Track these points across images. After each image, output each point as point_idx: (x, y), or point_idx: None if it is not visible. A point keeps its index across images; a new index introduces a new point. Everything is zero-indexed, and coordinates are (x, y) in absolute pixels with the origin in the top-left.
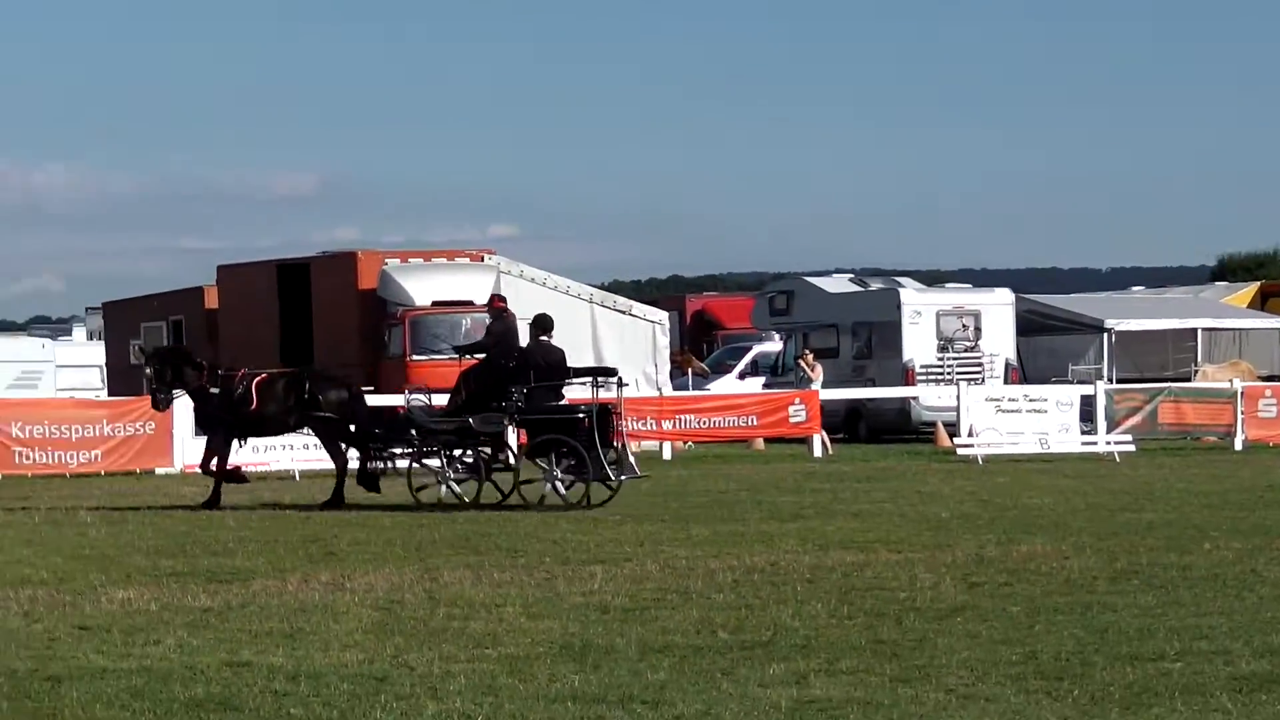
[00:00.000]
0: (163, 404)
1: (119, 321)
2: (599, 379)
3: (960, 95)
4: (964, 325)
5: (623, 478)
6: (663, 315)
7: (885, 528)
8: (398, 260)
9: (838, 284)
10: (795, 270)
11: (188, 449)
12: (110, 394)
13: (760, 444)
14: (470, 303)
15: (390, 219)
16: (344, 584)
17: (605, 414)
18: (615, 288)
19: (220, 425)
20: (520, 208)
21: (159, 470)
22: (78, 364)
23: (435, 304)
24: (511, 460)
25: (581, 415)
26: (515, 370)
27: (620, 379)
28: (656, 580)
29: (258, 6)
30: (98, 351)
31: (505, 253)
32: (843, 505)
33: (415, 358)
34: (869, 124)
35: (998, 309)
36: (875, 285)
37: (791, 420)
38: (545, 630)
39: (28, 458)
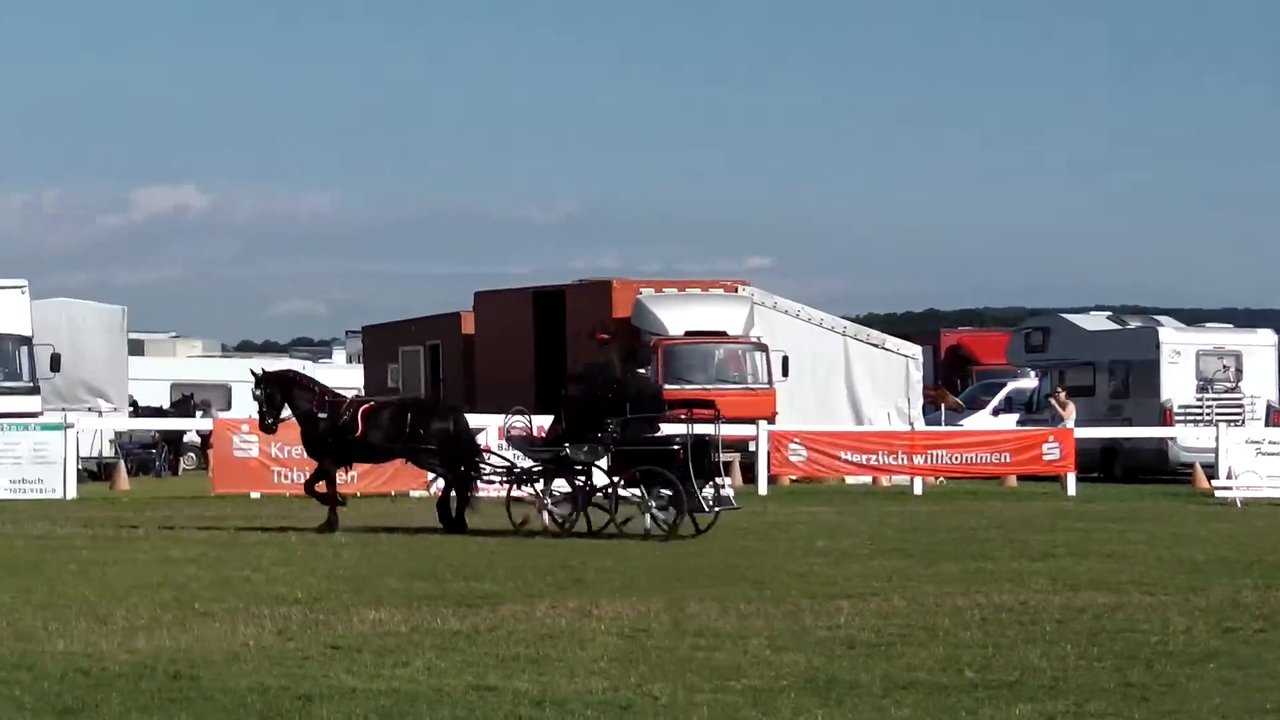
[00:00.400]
0: (270, 428)
1: (377, 345)
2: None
3: (1231, 129)
4: (1224, 365)
5: (718, 509)
6: (916, 350)
7: (1138, 569)
8: (652, 290)
9: (1095, 321)
10: (1053, 306)
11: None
12: None
13: (1013, 481)
14: (723, 333)
15: (648, 247)
16: (591, 611)
17: (701, 446)
18: (870, 321)
19: (326, 449)
20: (777, 239)
21: (413, 494)
22: (336, 386)
23: (688, 334)
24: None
25: (676, 447)
26: (612, 402)
27: (718, 413)
28: (903, 616)
29: (527, 38)
30: (356, 374)
31: (761, 284)
32: (1095, 545)
33: (668, 387)
34: (1133, 164)
35: (1260, 350)
36: (1134, 323)
37: (1045, 458)
38: (790, 664)
39: (286, 478)
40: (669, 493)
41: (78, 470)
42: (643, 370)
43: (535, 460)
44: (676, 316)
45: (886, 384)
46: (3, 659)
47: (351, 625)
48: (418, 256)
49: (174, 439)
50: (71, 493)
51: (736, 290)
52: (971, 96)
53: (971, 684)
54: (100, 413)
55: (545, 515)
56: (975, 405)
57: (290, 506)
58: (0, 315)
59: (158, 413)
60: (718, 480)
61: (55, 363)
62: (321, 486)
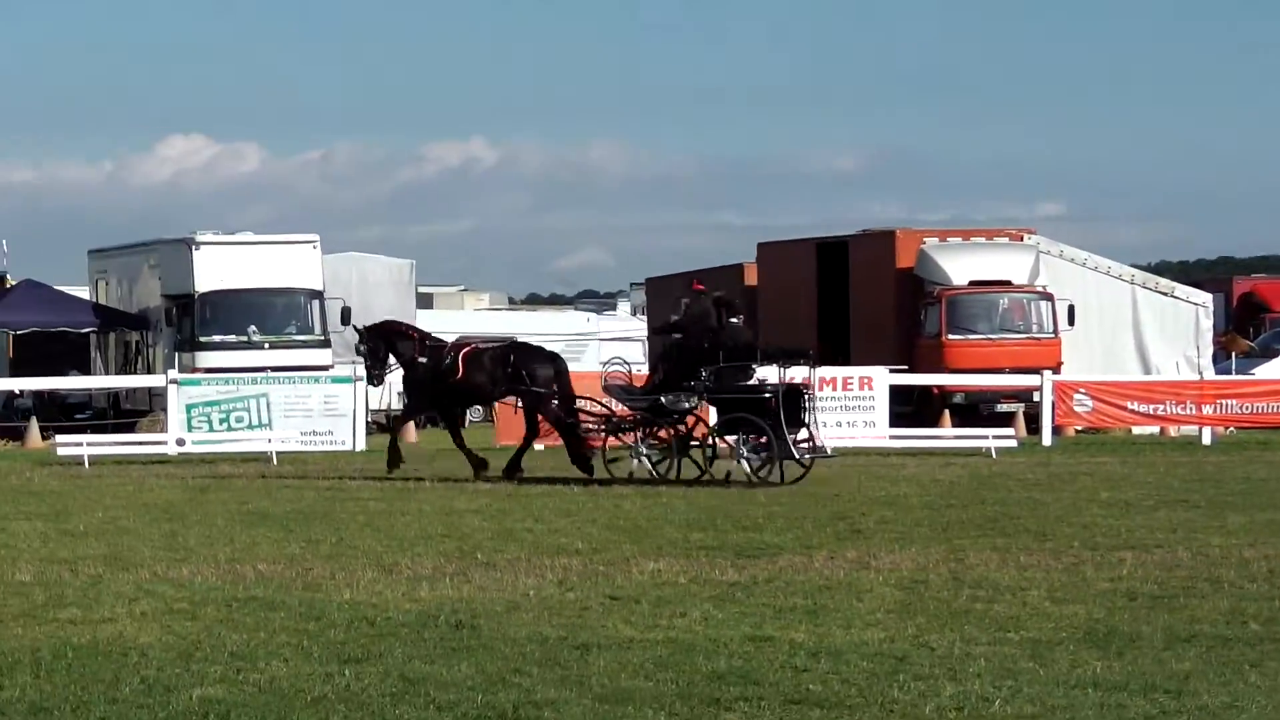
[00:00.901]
0: (377, 380)
1: (660, 297)
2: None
3: None
4: None
5: (810, 457)
6: (1206, 298)
7: None
8: (936, 239)
9: None
10: None
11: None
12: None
13: None
14: (1008, 282)
15: (936, 196)
16: (869, 562)
17: (794, 394)
18: (1162, 269)
19: (421, 394)
20: (1070, 185)
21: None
22: (620, 337)
23: (973, 283)
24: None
25: (768, 395)
26: (707, 351)
27: (813, 359)
28: (1187, 568)
29: None
30: (640, 326)
31: (1052, 232)
32: None
33: (951, 337)
34: None
35: None
36: None
37: None
38: (1070, 615)
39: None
40: (763, 440)
41: (367, 423)
42: (736, 320)
43: (632, 409)
44: (960, 266)
45: (1175, 333)
46: (291, 608)
47: (630, 576)
48: (704, 208)
49: None
50: (361, 445)
51: (1022, 239)
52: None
53: (1256, 637)
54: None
55: (637, 462)
56: (1268, 354)
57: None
58: (292, 270)
59: None
60: (811, 429)
61: (345, 316)
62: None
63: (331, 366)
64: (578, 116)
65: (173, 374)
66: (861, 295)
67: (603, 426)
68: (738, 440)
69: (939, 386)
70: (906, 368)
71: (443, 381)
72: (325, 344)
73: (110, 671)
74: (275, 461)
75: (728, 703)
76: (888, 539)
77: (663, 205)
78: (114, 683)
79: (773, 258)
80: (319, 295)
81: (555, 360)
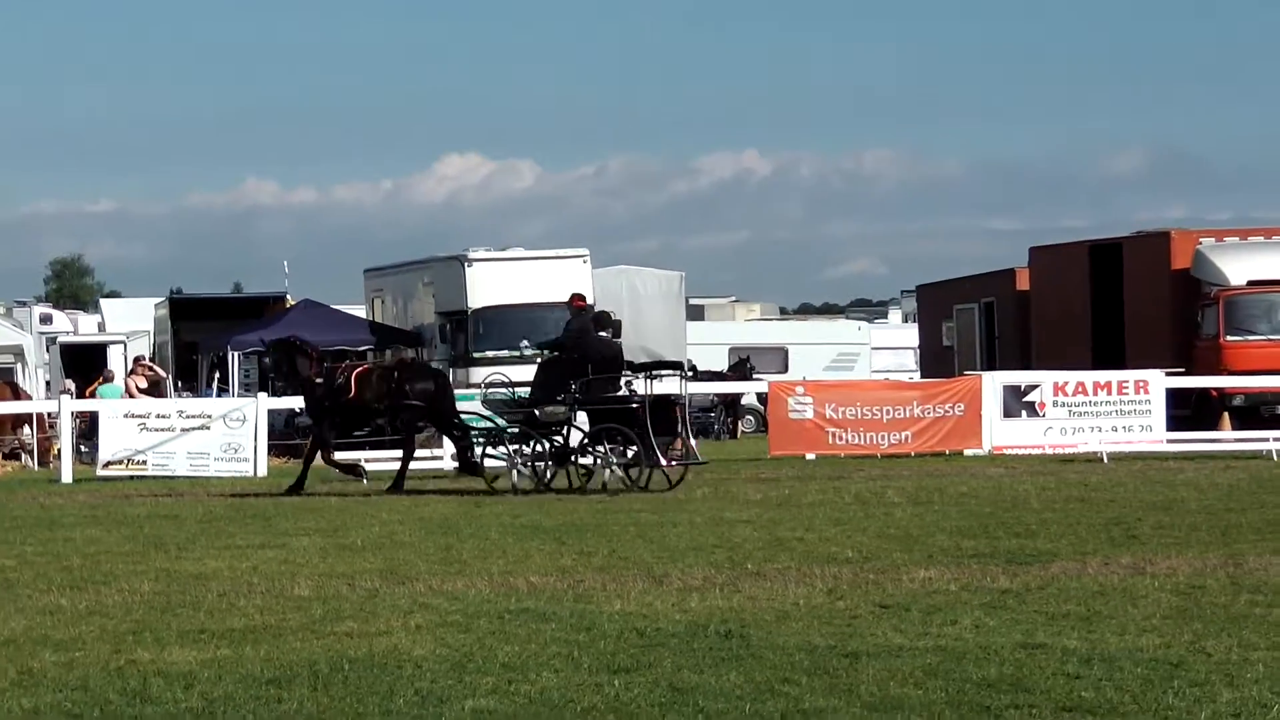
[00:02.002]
0: (279, 392)
1: (932, 304)
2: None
3: None
4: None
5: (684, 463)
6: None
7: None
8: (1212, 239)
9: None
10: None
11: (996, 431)
12: (923, 376)
13: None
14: None
15: (1216, 197)
16: (1145, 568)
17: (664, 404)
18: None
19: (324, 415)
20: None
21: (968, 451)
22: (892, 346)
23: (1252, 283)
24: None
25: (635, 405)
26: (578, 363)
27: (686, 371)
28: None
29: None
30: (911, 334)
31: None
32: None
33: (1230, 338)
34: None
35: None
36: None
37: None
38: None
39: (840, 438)
40: (631, 449)
41: None
42: (604, 333)
43: (509, 421)
44: (1239, 266)
45: None
46: (562, 620)
47: (901, 584)
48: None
49: (732, 402)
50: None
51: None
52: None
53: None
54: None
55: (515, 474)
56: None
57: (844, 467)
58: (563, 284)
59: (716, 376)
60: (684, 436)
61: (616, 329)
62: (332, 455)
63: None
64: (851, 126)
65: None
66: (1136, 298)
67: (482, 439)
68: (606, 449)
69: (1218, 389)
70: (1183, 370)
71: (337, 400)
72: None
73: (386, 684)
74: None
75: (998, 710)
76: (1164, 544)
77: (934, 212)
78: (389, 695)
79: (1045, 261)
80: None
81: (437, 376)
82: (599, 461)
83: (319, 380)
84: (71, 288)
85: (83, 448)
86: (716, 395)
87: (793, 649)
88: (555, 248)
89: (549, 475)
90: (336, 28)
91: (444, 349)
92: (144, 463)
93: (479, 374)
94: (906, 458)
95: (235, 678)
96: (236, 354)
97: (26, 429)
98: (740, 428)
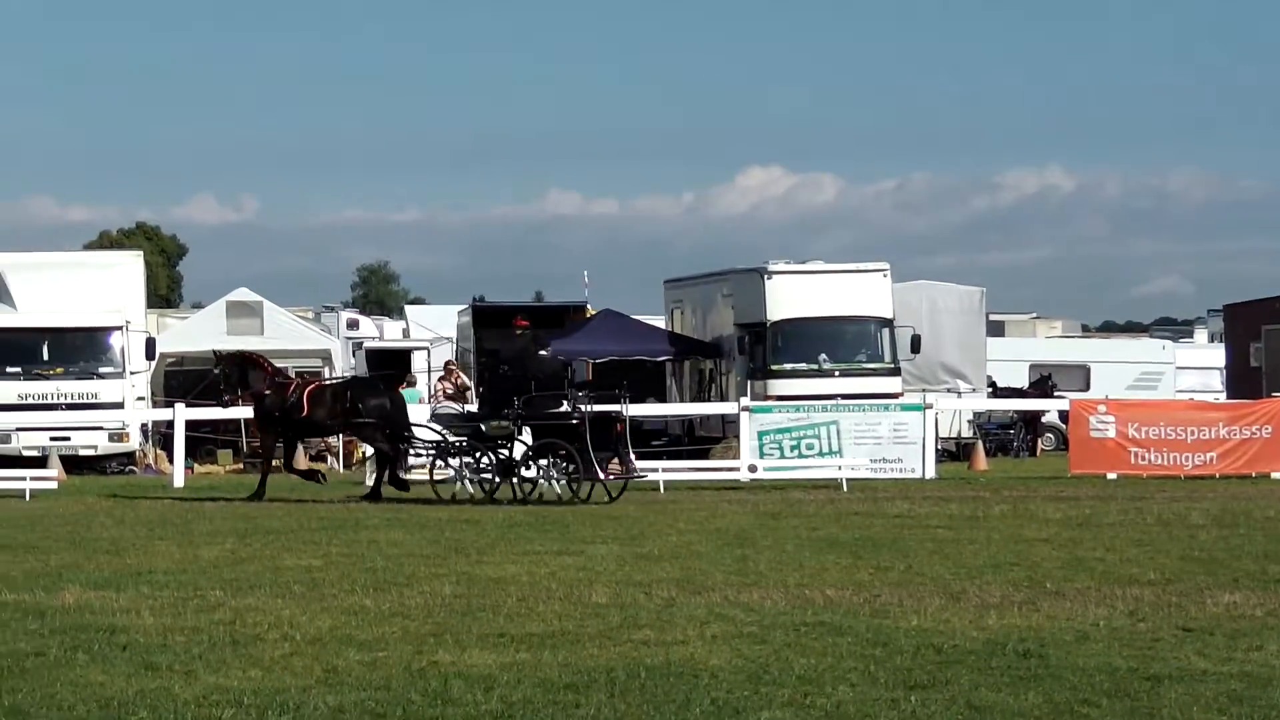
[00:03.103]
0: (228, 403)
1: (1239, 324)
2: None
3: None
4: None
5: (624, 478)
6: None
7: None
8: None
9: None
10: None
11: None
12: (1229, 397)
13: None
14: None
15: None
16: None
17: (604, 421)
18: None
19: (273, 427)
20: None
21: (1275, 474)
22: (1197, 366)
23: None
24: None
25: (575, 421)
26: (521, 380)
27: (623, 392)
28: None
29: None
30: (1217, 354)
31: None
32: None
33: None
34: None
35: None
36: None
37: None
38: None
39: (1144, 459)
40: (570, 462)
41: (936, 450)
42: (544, 352)
43: (456, 434)
44: None
45: None
46: (858, 634)
47: (1204, 607)
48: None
49: (1032, 419)
50: (930, 472)
51: None
52: None
53: None
54: (959, 393)
55: (460, 484)
56: None
57: (1147, 488)
58: (863, 298)
59: (1016, 393)
60: (623, 452)
61: (915, 344)
62: (293, 465)
63: (901, 394)
64: (1157, 144)
65: (745, 401)
66: None
67: (433, 452)
68: (548, 463)
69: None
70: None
71: (288, 416)
72: (895, 372)
73: (682, 693)
74: (845, 488)
75: None
76: None
77: (1241, 231)
78: (685, 704)
79: None
80: (889, 323)
81: (390, 394)
82: (541, 474)
83: (268, 393)
84: (377, 294)
85: None
86: (1016, 412)
87: (1093, 670)
88: (855, 261)
89: (494, 486)
90: (637, 45)
91: (742, 361)
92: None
93: (778, 387)
94: (1211, 479)
95: (533, 682)
96: None
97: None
98: (1040, 445)
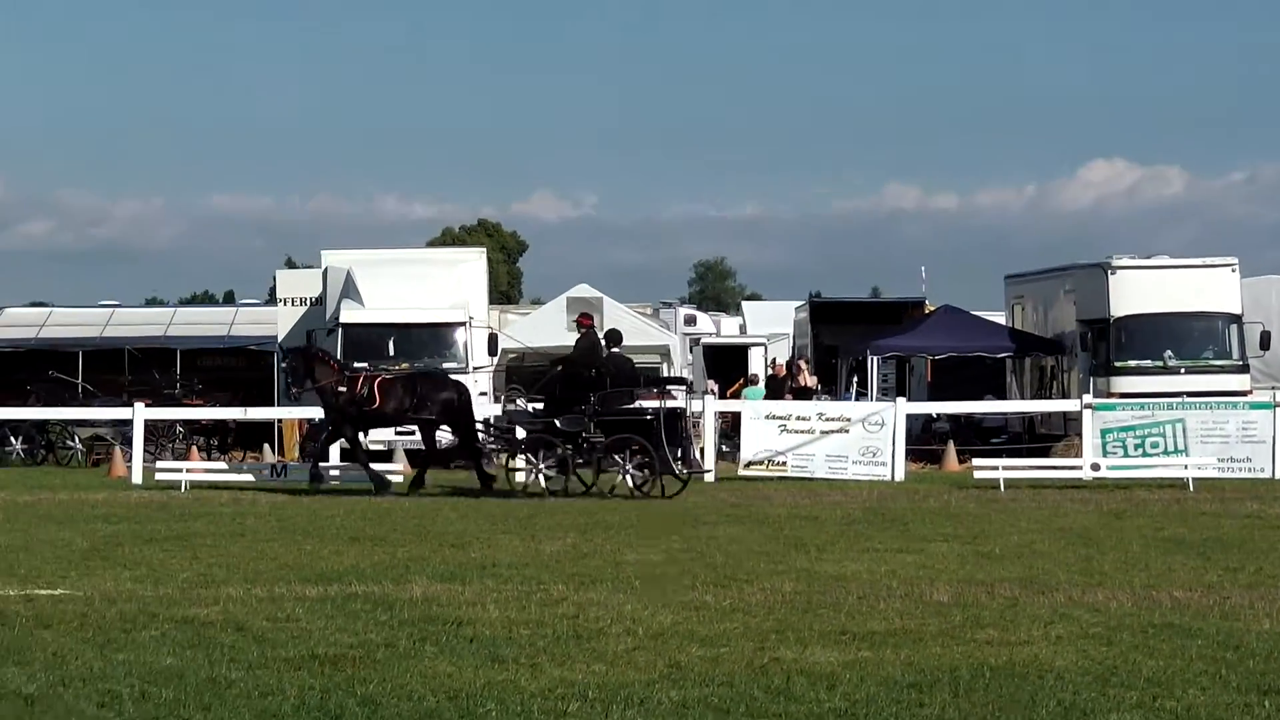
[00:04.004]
0: (295, 397)
1: None
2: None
3: None
4: None
5: (689, 472)
6: None
7: None
8: None
9: None
10: None
11: None
12: None
13: None
14: None
15: None
16: None
17: (673, 416)
18: None
19: (342, 420)
20: None
21: None
22: None
23: None
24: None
25: (649, 417)
26: (594, 378)
27: (690, 387)
28: None
29: None
30: None
31: None
32: None
33: None
34: None
35: None
36: None
37: None
38: None
39: None
40: (645, 458)
41: None
42: (618, 349)
43: (530, 431)
44: None
45: None
46: (1208, 636)
47: None
48: None
49: None
50: None
51: None
52: None
53: None
54: None
55: (540, 478)
56: None
57: None
58: (1209, 294)
59: None
60: (689, 449)
61: (1265, 340)
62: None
63: (1250, 392)
64: None
65: (1088, 398)
66: None
67: (505, 446)
68: (623, 458)
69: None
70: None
71: (360, 409)
72: (1243, 369)
73: (1027, 693)
74: (1191, 488)
75: None
76: None
77: None
78: (1031, 705)
79: None
80: (1237, 319)
81: (458, 387)
82: (616, 469)
83: (342, 389)
84: (714, 290)
85: (724, 447)
86: None
87: None
88: (1202, 256)
89: (568, 480)
90: (975, 41)
91: (1084, 358)
92: (784, 464)
93: (1121, 384)
94: None
95: (876, 680)
96: (875, 358)
97: None
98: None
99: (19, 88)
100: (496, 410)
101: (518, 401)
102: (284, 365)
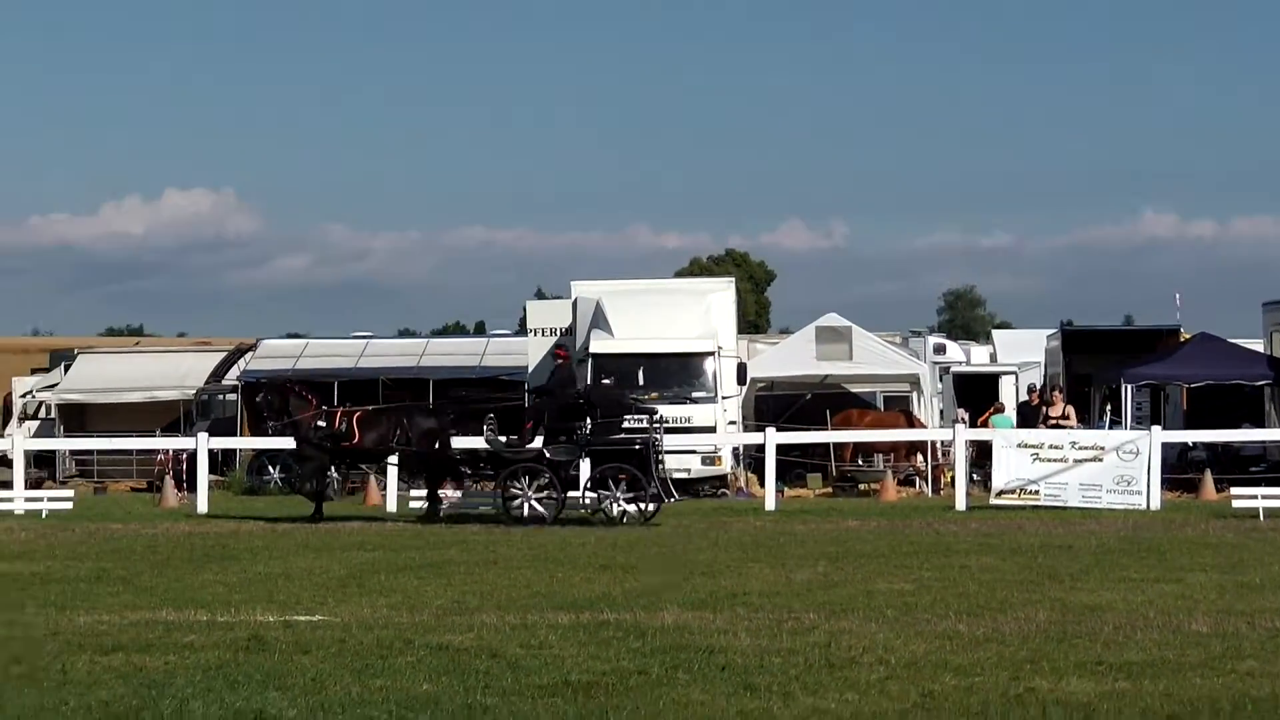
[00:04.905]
0: (273, 430)
1: None
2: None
3: None
4: None
5: (673, 499)
6: None
7: None
8: None
9: None
10: None
11: None
12: None
13: None
14: None
15: None
16: None
17: (651, 445)
18: None
19: (319, 455)
20: None
21: None
22: None
23: None
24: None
25: (638, 445)
26: (580, 407)
27: (658, 417)
28: None
29: None
30: None
31: None
32: None
33: None
34: None
35: None
36: None
37: None
38: None
39: None
40: (633, 486)
41: None
42: (607, 380)
43: (518, 461)
44: None
45: None
46: None
47: None
48: None
49: None
50: None
51: None
52: None
53: None
54: None
55: (526, 508)
56: None
57: None
58: None
59: None
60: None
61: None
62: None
63: None
64: None
65: None
66: None
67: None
68: (613, 485)
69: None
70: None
71: (338, 444)
72: None
73: None
74: None
75: None
76: None
77: None
78: None
79: None
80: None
81: (439, 417)
82: (606, 497)
83: (320, 424)
84: (963, 318)
85: (974, 475)
86: None
87: None
88: None
89: (558, 509)
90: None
91: None
92: (1036, 492)
93: None
94: None
95: (1134, 711)
96: (1129, 387)
97: (920, 456)
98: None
99: (282, 130)
100: (736, 438)
101: (488, 431)
102: (258, 398)
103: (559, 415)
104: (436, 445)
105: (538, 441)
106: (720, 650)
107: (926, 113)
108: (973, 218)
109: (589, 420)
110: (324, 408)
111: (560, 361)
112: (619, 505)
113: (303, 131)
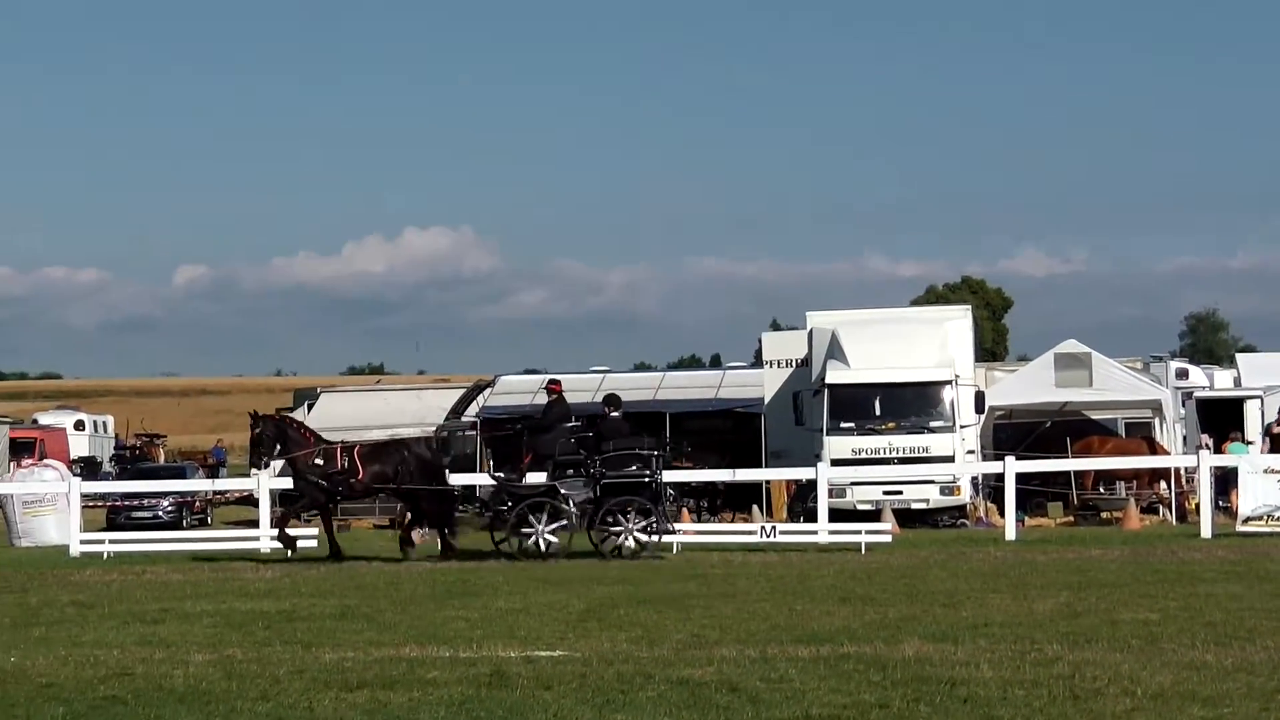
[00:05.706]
0: (262, 465)
1: None
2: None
3: None
4: None
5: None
6: None
7: None
8: None
9: None
10: None
11: None
12: None
13: None
14: None
15: None
16: None
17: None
18: None
19: (316, 493)
20: None
21: None
22: None
23: None
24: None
25: (649, 479)
26: (590, 441)
27: (659, 453)
28: None
29: None
30: None
31: None
32: None
33: None
34: None
35: None
36: None
37: None
38: None
39: None
40: (645, 517)
41: None
42: (616, 414)
43: (527, 496)
44: None
45: None
46: None
47: None
48: None
49: None
50: None
51: None
52: None
53: None
54: None
55: (533, 541)
56: None
57: None
58: None
59: None
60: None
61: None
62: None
63: None
64: None
65: None
66: None
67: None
68: (628, 520)
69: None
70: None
71: (344, 480)
72: None
73: None
74: None
75: None
76: None
77: None
78: None
79: None
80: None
81: (430, 447)
82: (619, 530)
83: (319, 462)
84: (1206, 342)
85: (1220, 502)
86: None
87: None
88: None
89: (569, 541)
90: None
91: None
92: None
93: None
94: None
95: None
96: None
97: (1164, 483)
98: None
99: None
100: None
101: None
102: (255, 431)
103: (572, 449)
104: (433, 475)
105: (542, 476)
106: (962, 682)
107: (1172, 128)
108: (1216, 239)
109: (598, 452)
110: (321, 444)
111: (554, 397)
112: (632, 539)
113: (529, 169)
